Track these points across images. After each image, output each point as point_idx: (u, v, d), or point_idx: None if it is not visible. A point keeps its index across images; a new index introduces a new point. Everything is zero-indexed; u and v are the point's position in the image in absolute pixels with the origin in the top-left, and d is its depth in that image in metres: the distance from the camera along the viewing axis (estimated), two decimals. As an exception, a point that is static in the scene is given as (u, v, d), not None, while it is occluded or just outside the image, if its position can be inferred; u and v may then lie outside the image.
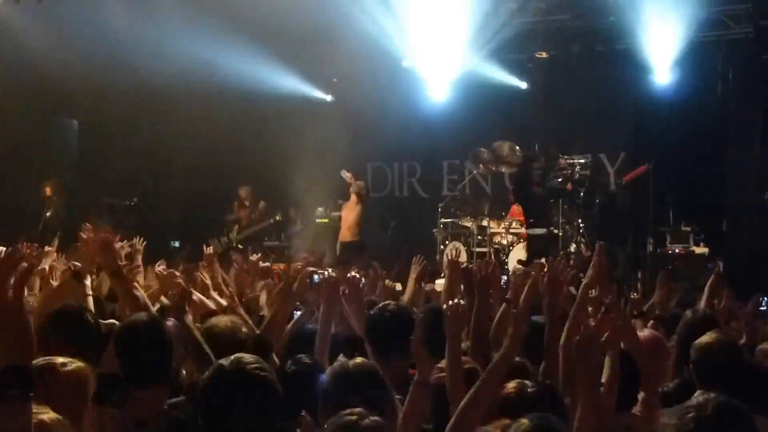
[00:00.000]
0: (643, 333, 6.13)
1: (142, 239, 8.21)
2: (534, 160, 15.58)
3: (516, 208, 15.49)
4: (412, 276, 8.80)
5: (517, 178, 15.79)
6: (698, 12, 14.99)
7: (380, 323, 5.40)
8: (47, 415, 3.46)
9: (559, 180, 14.98)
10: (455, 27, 15.97)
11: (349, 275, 6.50)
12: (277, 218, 17.19)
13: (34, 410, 3.14)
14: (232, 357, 3.66)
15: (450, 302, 4.45)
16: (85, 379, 4.03)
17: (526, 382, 4.13)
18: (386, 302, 5.93)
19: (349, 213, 15.61)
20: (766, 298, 8.80)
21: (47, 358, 4.03)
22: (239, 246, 16.86)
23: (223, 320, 5.61)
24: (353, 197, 15.53)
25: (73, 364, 4.05)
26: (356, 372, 4.17)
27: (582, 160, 15.31)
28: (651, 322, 7.00)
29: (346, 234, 15.58)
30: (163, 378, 4.52)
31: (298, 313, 6.89)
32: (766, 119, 14.92)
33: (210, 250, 9.21)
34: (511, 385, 4.09)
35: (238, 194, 17.62)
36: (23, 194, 16.58)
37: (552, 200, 14.92)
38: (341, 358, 4.44)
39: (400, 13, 15.80)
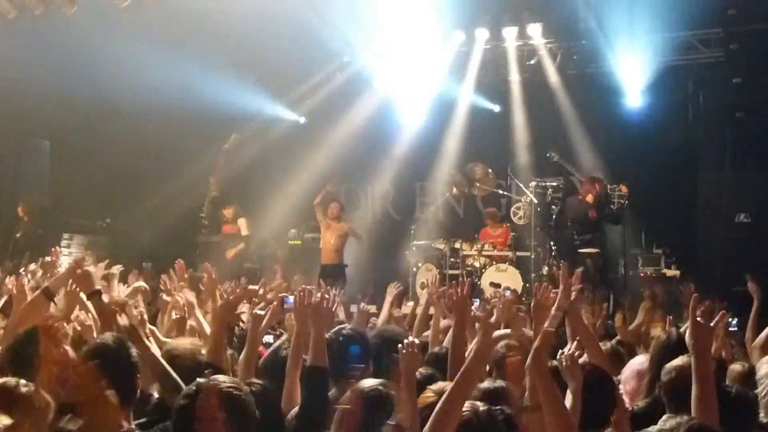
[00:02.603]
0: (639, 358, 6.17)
1: (120, 266, 8.12)
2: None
3: (490, 231, 15.47)
4: (388, 300, 8.79)
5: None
6: (669, 36, 15.16)
7: (333, 344, 5.51)
8: None
9: (614, 205, 14.41)
10: (429, 50, 16.04)
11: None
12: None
13: None
14: (210, 378, 3.65)
15: (406, 341, 4.51)
16: (47, 402, 3.96)
17: (477, 403, 4.11)
18: (342, 326, 6.05)
19: (333, 235, 15.43)
20: (736, 319, 8.83)
21: (6, 379, 3.97)
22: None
23: (183, 343, 5.58)
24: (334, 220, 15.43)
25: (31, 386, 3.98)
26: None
27: (554, 183, 15.29)
28: None
29: (328, 257, 15.42)
30: (128, 401, 4.45)
31: (269, 337, 6.87)
32: (737, 142, 15.03)
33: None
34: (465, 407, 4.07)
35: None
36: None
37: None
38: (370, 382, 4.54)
39: (374, 37, 15.85)
